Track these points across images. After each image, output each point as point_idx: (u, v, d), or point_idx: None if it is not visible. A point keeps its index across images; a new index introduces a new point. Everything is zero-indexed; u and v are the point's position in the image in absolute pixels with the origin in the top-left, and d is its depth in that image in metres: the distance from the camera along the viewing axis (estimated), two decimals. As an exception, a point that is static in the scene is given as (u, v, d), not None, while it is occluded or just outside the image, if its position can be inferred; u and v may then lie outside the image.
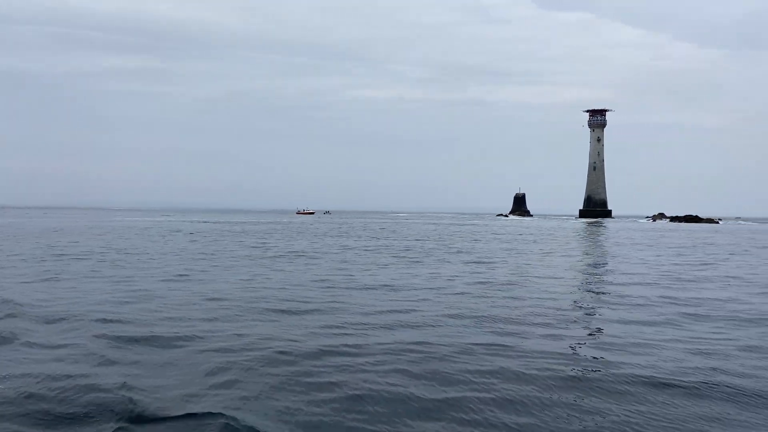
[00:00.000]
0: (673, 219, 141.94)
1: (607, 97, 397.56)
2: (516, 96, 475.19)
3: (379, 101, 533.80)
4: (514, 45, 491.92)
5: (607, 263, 25.56)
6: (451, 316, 11.44)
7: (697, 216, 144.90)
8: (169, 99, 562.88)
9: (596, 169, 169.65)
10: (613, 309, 12.84)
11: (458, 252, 29.95)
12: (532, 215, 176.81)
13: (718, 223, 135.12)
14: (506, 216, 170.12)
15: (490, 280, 17.72)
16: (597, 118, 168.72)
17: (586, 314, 12.39)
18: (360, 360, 7.91)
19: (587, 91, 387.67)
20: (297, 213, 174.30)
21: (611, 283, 17.89)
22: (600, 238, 50.62)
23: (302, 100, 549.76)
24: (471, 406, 6.32)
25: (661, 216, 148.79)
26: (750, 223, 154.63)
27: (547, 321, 11.25)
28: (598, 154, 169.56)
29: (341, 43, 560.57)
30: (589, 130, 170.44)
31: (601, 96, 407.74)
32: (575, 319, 11.66)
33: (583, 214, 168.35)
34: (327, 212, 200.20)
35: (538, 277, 19.12)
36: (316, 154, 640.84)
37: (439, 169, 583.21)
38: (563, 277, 19.31)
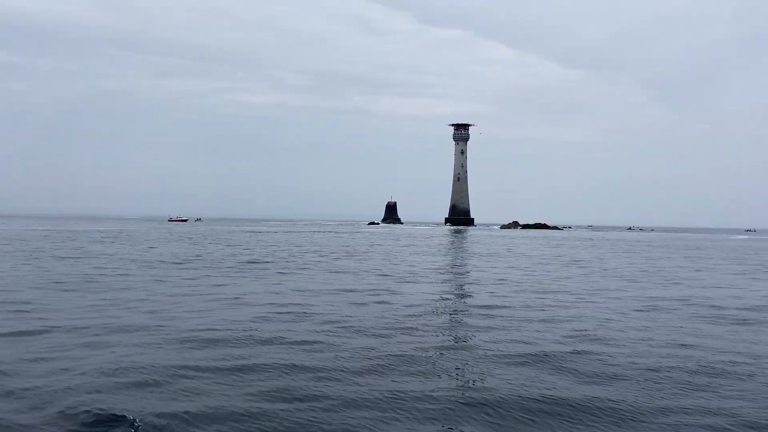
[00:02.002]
0: (525, 226, 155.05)
1: (480, 111, 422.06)
2: (395, 107, 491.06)
3: (259, 106, 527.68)
4: (395, 57, 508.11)
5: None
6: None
7: (545, 224, 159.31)
8: (26, 98, 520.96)
9: (460, 179, 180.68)
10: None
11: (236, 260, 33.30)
12: (402, 223, 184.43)
13: (561, 230, 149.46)
14: (377, 223, 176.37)
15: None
16: (460, 132, 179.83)
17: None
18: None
19: (462, 105, 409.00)
20: (169, 220, 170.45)
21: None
22: (421, 244, 56.28)
23: (176, 103, 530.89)
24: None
25: (515, 224, 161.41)
26: (588, 230, 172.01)
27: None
28: (462, 166, 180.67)
29: (220, 46, 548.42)
30: (453, 143, 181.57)
31: (474, 110, 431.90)
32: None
33: (448, 221, 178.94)
34: (198, 219, 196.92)
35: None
36: (190, 159, 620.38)
37: (316, 176, 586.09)
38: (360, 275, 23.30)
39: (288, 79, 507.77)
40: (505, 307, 14.98)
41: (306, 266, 26.70)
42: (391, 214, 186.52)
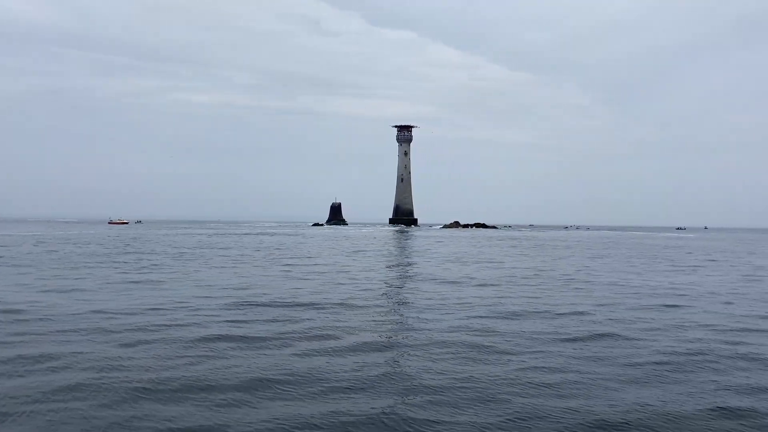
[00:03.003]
0: (465, 226, 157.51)
1: (428, 112, 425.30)
2: (344, 108, 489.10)
3: (205, 106, 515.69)
4: (344, 58, 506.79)
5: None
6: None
7: (484, 224, 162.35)
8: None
9: (404, 180, 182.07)
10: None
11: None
12: (347, 224, 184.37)
13: (498, 229, 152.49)
14: (322, 225, 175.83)
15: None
16: (404, 133, 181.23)
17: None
18: None
19: (410, 107, 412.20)
20: (109, 223, 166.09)
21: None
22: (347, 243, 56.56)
23: (119, 102, 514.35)
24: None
25: (456, 224, 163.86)
26: (528, 229, 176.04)
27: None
28: (405, 167, 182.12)
29: (166, 44, 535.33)
30: (397, 144, 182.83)
31: (422, 111, 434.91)
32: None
33: (392, 222, 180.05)
34: (139, 222, 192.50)
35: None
36: (133, 159, 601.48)
37: (263, 177, 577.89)
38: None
39: (235, 78, 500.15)
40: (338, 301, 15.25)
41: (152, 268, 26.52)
42: (335, 215, 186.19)
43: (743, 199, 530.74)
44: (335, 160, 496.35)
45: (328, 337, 11.31)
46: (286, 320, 12.95)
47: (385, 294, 18.08)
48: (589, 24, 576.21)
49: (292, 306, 15.03)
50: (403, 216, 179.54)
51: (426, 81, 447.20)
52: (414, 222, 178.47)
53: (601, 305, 15.97)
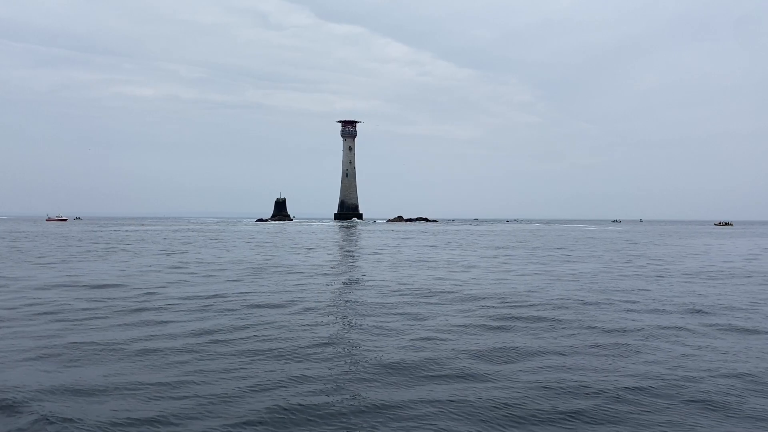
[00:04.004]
0: (408, 221, 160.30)
1: (375, 107, 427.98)
2: (291, 102, 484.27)
3: (148, 100, 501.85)
4: (292, 52, 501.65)
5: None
6: None
7: (426, 218, 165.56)
8: None
9: (348, 175, 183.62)
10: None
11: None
12: (292, 219, 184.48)
13: (437, 222, 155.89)
14: (266, 220, 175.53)
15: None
16: (348, 128, 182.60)
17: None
18: None
19: (358, 102, 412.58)
20: (47, 220, 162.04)
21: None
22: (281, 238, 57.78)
23: (58, 95, 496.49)
24: None
25: (400, 218, 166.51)
26: (472, 223, 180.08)
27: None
28: (350, 162, 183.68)
29: (107, 36, 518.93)
30: (342, 139, 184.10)
31: (369, 106, 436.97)
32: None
33: (337, 217, 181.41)
34: (78, 218, 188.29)
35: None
36: (73, 155, 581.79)
37: (208, 173, 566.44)
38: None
39: (180, 71, 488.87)
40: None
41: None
42: (279, 210, 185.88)
43: (679, 192, 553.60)
44: (281, 156, 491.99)
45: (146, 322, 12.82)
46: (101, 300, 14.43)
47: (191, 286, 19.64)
48: (532, 22, 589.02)
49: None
50: (349, 211, 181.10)
51: (373, 76, 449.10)
52: (359, 217, 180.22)
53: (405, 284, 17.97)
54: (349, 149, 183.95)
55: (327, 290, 17.44)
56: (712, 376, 8.18)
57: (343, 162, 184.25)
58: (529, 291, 17.42)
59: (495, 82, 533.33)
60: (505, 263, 28.16)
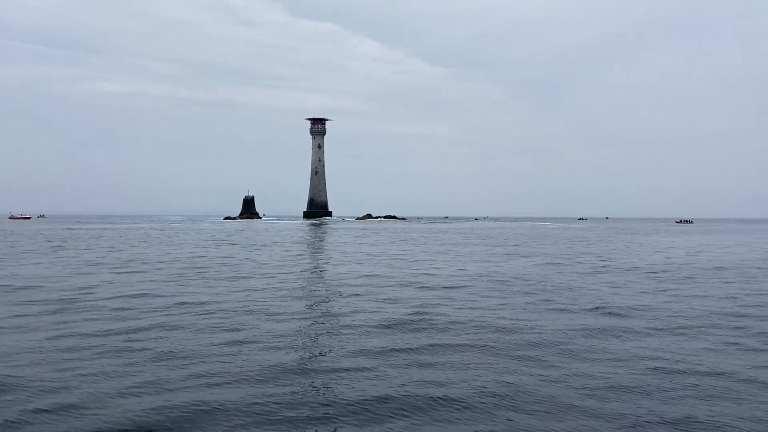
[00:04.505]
0: (377, 218, 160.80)
1: (348, 105, 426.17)
2: (263, 100, 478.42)
3: (117, 96, 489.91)
4: (264, 48, 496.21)
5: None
6: None
7: (395, 216, 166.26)
8: None
9: (318, 173, 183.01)
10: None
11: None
12: (261, 217, 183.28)
13: (405, 220, 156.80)
14: (234, 218, 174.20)
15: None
16: (317, 126, 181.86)
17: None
18: None
19: (332, 100, 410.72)
20: (10, 218, 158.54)
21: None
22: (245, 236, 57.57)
23: (22, 91, 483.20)
24: None
25: (369, 216, 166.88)
26: (441, 221, 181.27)
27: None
28: (319, 160, 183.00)
29: (74, 30, 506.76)
30: (311, 137, 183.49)
31: (343, 104, 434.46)
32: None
33: (306, 215, 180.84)
34: (41, 216, 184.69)
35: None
36: (38, 151, 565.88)
37: (178, 170, 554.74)
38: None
39: (150, 67, 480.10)
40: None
41: None
42: (248, 208, 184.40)
43: (646, 190, 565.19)
44: (252, 153, 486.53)
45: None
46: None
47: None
48: (507, 21, 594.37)
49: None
50: (318, 209, 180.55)
51: (347, 74, 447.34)
52: (329, 215, 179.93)
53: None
54: (319, 147, 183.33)
55: (245, 290, 17.59)
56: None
57: (312, 160, 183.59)
58: (447, 286, 17.88)
59: (469, 81, 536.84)
60: (447, 260, 28.61)
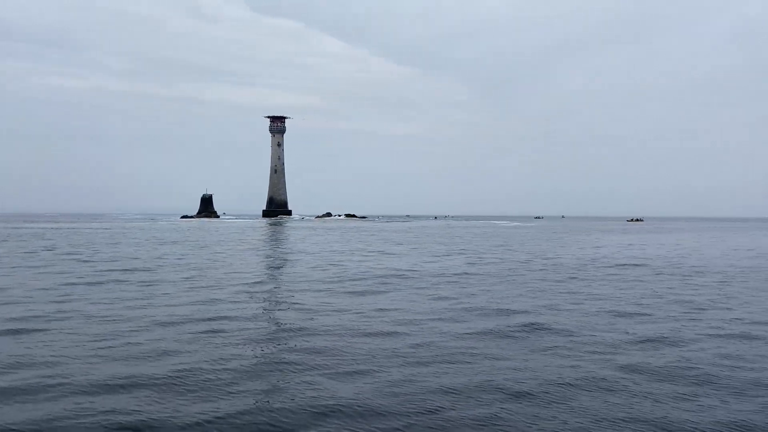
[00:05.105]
0: (335, 217, 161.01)
1: (312, 103, 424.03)
2: (225, 96, 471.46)
3: (74, 92, 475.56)
4: (226, 45, 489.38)
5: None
6: None
7: (354, 215, 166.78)
8: None
9: (277, 172, 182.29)
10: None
11: None
12: (219, 216, 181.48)
13: (365, 218, 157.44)
14: (191, 217, 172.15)
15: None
16: (276, 124, 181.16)
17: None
18: None
19: (294, 97, 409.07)
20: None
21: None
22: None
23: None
24: None
25: (328, 215, 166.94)
26: (402, 220, 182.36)
27: None
28: (279, 158, 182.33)
29: (29, 23, 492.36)
30: (270, 135, 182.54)
31: (307, 102, 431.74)
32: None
33: (266, 214, 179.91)
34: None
35: None
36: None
37: (137, 168, 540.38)
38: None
39: (109, 62, 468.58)
40: None
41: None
42: (206, 207, 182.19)
43: (603, 189, 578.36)
44: (213, 151, 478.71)
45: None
46: None
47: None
48: (469, 21, 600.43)
49: None
50: (277, 208, 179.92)
51: (310, 71, 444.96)
52: (288, 213, 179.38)
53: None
54: (278, 145, 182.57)
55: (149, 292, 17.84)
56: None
57: (271, 158, 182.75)
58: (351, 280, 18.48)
59: (432, 80, 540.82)
60: (376, 258, 29.20)
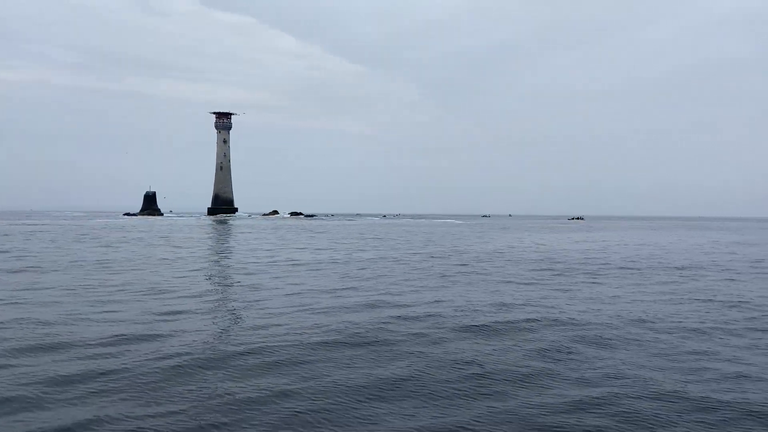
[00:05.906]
0: (282, 215, 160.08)
1: (263, 100, 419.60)
2: (173, 91, 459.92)
3: (15, 85, 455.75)
4: (175, 39, 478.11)
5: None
6: None
7: (301, 212, 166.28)
8: None
9: (223, 169, 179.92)
10: None
11: None
12: (162, 214, 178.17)
13: (313, 216, 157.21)
14: (134, 215, 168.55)
15: None
16: (222, 120, 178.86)
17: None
18: None
19: (244, 93, 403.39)
20: None
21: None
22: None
23: None
24: None
25: (275, 213, 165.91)
26: (352, 218, 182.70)
27: None
28: (225, 155, 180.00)
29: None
30: (216, 131, 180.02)
31: (257, 99, 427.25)
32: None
33: (211, 211, 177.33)
34: None
35: None
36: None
37: (77, 163, 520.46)
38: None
39: (52, 55, 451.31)
40: None
41: None
42: (150, 204, 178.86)
43: (551, 188, 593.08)
44: (158, 147, 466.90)
45: None
46: None
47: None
48: (421, 21, 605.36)
49: None
50: (223, 205, 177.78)
51: (261, 67, 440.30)
52: (234, 211, 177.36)
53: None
54: (224, 142, 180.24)
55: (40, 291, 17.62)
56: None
57: (217, 155, 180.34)
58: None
59: (385, 79, 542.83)
60: (303, 255, 29.42)
